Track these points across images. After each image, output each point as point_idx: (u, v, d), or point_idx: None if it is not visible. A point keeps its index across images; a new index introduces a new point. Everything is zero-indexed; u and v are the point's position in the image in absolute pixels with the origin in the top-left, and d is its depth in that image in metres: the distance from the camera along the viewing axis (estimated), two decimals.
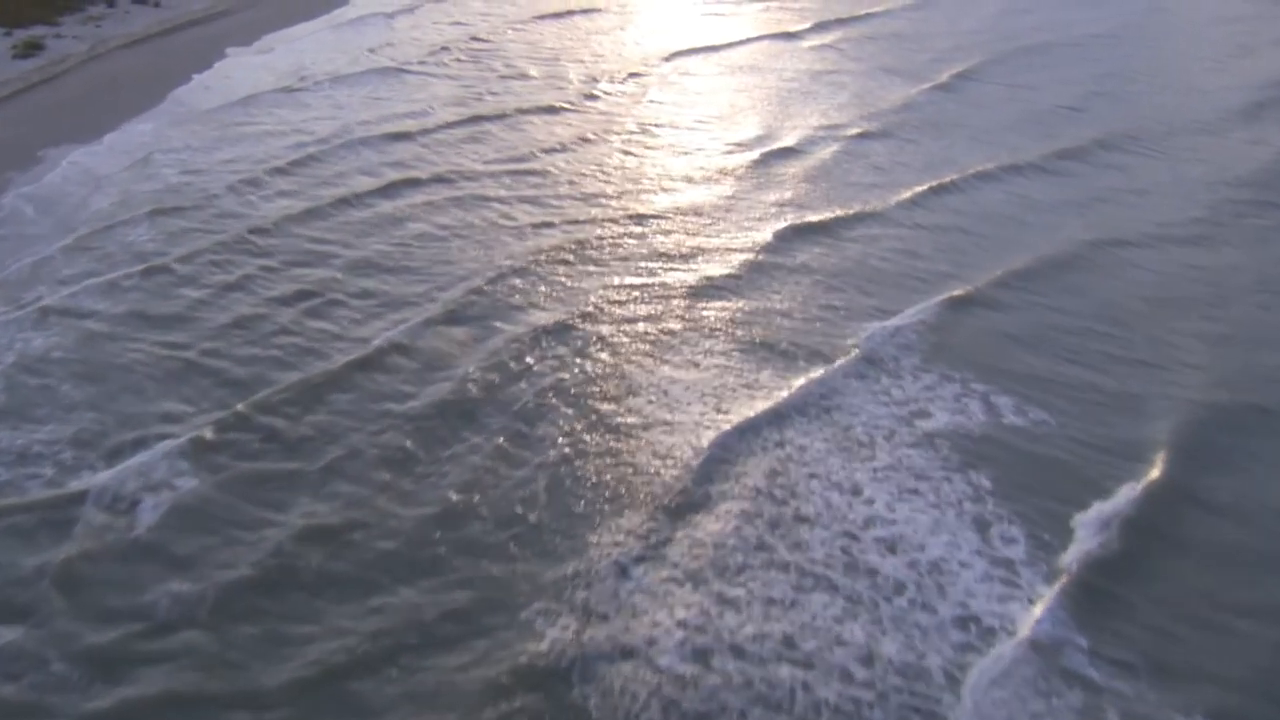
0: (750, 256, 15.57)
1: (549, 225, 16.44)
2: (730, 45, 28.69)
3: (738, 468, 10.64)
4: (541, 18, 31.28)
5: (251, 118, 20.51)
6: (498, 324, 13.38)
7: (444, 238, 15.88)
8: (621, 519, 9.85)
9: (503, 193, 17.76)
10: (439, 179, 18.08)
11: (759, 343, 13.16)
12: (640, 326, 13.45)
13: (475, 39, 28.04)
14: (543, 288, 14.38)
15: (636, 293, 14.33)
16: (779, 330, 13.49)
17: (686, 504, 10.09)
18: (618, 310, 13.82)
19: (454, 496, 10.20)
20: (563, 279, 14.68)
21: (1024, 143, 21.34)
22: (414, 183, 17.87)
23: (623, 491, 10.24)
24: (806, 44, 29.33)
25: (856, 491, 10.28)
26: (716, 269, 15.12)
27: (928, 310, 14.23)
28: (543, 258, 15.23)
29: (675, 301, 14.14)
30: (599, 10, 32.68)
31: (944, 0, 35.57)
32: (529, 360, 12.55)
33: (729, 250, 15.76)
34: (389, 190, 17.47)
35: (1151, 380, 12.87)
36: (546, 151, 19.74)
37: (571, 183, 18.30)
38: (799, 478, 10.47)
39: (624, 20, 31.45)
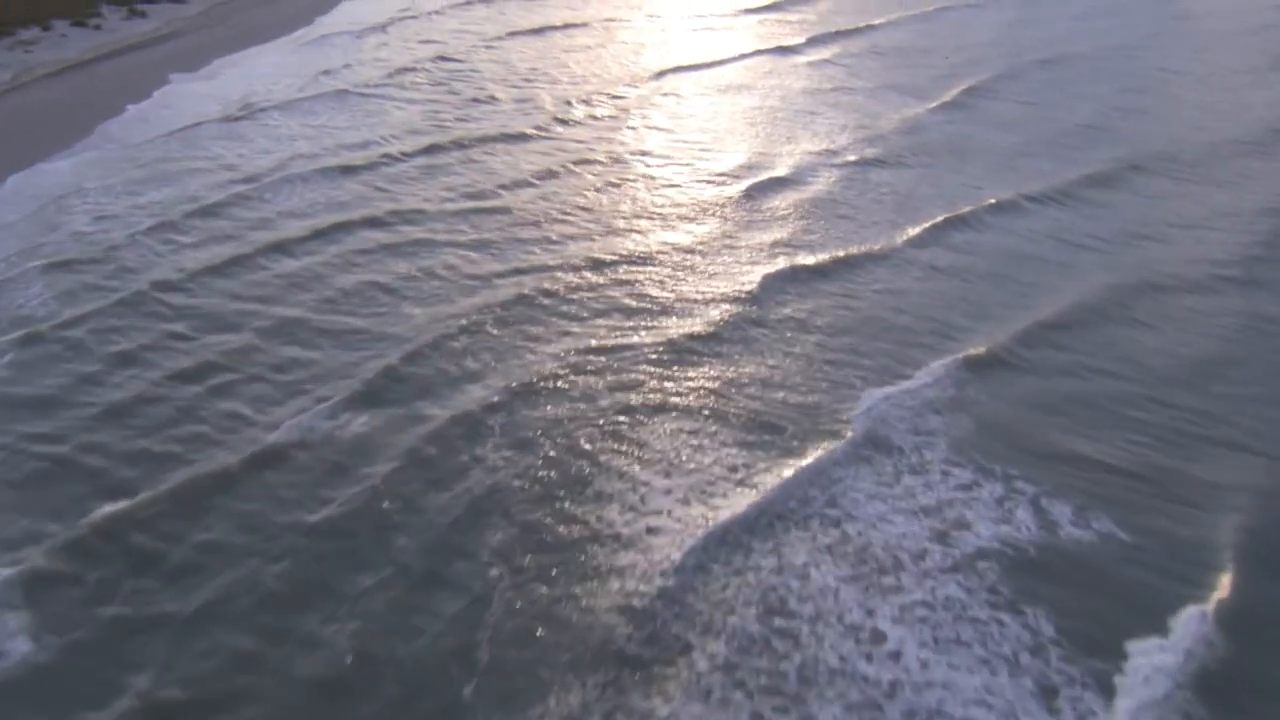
0: (736, 309, 13.57)
1: (506, 275, 14.45)
2: (720, 62, 26.80)
3: (722, 605, 8.57)
4: (519, 34, 29.46)
5: (183, 152, 18.59)
6: (435, 403, 11.36)
7: (384, 292, 13.89)
8: (572, 691, 7.77)
9: (457, 236, 15.79)
10: (385, 221, 16.12)
11: (749, 422, 11.12)
12: (603, 403, 11.43)
13: (444, 59, 26.18)
14: (491, 355, 12.37)
15: (602, 359, 12.32)
16: (772, 405, 11.45)
17: (656, 659, 8.03)
18: (578, 383, 11.80)
19: (366, 651, 8.17)
20: (516, 342, 12.68)
21: (1046, 168, 19.36)
22: (356, 225, 15.90)
23: (577, 646, 8.17)
24: (804, 59, 27.44)
25: (878, 639, 8.18)
26: (697, 325, 13.11)
27: (947, 375, 12.19)
28: (495, 316, 13.24)
29: (647, 369, 12.13)
30: (582, 26, 30.86)
31: (949, 12, 33.75)
32: (468, 454, 10.52)
33: (711, 302, 13.76)
34: (327, 235, 15.51)
35: (1218, 462, 10.82)
36: (509, 186, 17.79)
37: (536, 223, 16.33)
38: (801, 619, 8.39)
39: (608, 36, 29.61)
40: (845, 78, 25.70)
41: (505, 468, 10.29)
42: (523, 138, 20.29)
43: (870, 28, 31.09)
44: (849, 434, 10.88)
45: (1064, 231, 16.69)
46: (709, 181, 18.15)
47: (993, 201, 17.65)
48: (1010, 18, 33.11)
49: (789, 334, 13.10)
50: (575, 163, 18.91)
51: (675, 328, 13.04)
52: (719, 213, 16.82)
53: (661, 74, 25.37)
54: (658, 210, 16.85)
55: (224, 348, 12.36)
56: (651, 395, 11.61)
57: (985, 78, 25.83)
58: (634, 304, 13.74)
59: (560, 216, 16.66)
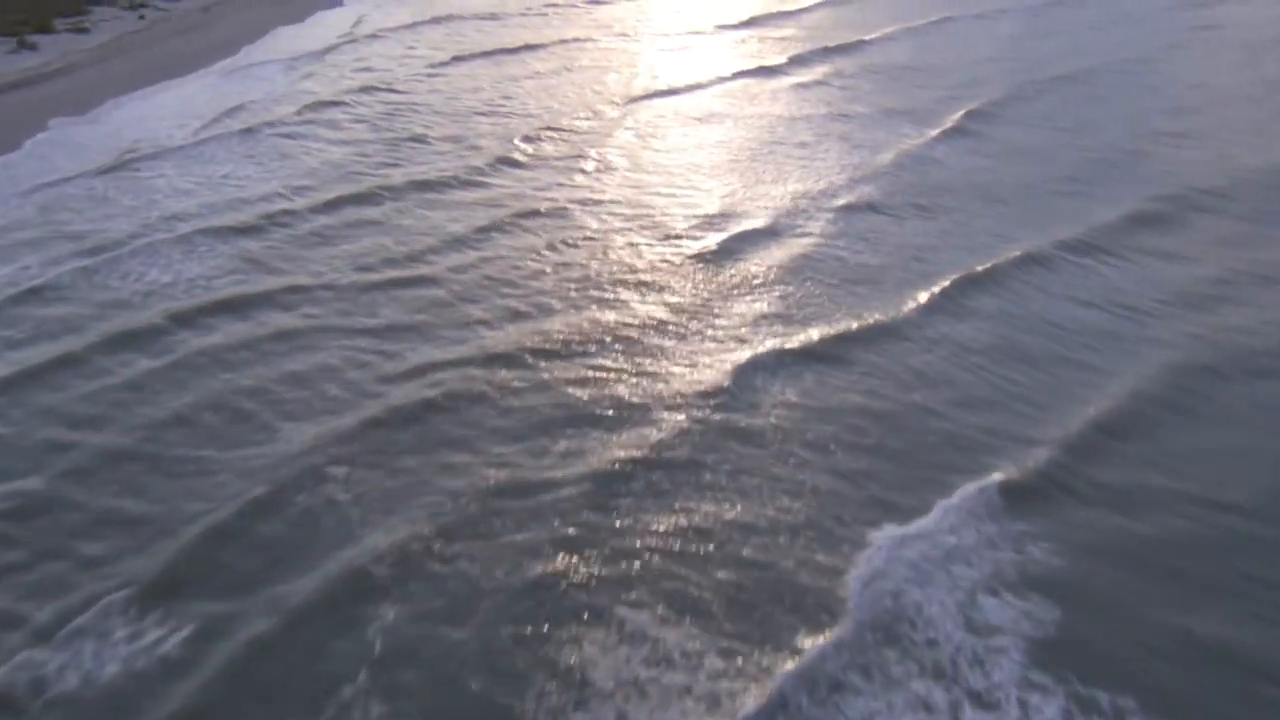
0: (703, 417, 10.56)
1: (418, 373, 11.41)
2: (695, 87, 23.95)
3: None
4: (468, 59, 26.59)
5: (36, 218, 15.55)
6: (274, 591, 8.29)
7: (256, 403, 10.83)
8: None
9: (364, 319, 12.76)
10: (273, 300, 13.10)
11: (725, 602, 8.11)
12: (520, 583, 8.39)
13: (378, 89, 23.28)
14: (374, 501, 9.32)
15: (526, 504, 9.28)
16: (752, 575, 8.42)
17: None
18: (486, 551, 8.76)
19: None
20: (414, 479, 9.63)
21: (1079, 208, 16.46)
22: (234, 308, 12.87)
23: None
24: (790, 81, 24.61)
25: None
26: (652, 445, 10.09)
27: (980, 510, 9.22)
28: (392, 436, 10.20)
29: (580, 517, 9.09)
30: (541, 48, 28.01)
31: (948, 24, 31.03)
32: (314, 685, 7.48)
33: (674, 407, 10.75)
34: (193, 322, 12.47)
35: None
36: (436, 250, 14.79)
37: (464, 299, 13.33)
38: None
39: (569, 60, 26.75)
40: (836, 102, 22.86)
41: (376, 702, 7.23)
42: (458, 185, 17.32)
43: (862, 44, 28.32)
44: (845, 622, 7.85)
45: (1111, 291, 13.74)
46: (678, 237, 15.18)
47: (1018, 254, 14.71)
48: (1015, 30, 30.41)
49: (769, 451, 10.08)
50: (518, 217, 15.93)
51: (625, 449, 10.02)
52: (689, 278, 13.83)
53: (627, 103, 22.49)
54: (614, 277, 13.86)
55: (14, 496, 9.30)
56: (593, 559, 8.57)
57: (994, 98, 23.02)
58: (576, 412, 10.71)
59: (495, 288, 13.66)
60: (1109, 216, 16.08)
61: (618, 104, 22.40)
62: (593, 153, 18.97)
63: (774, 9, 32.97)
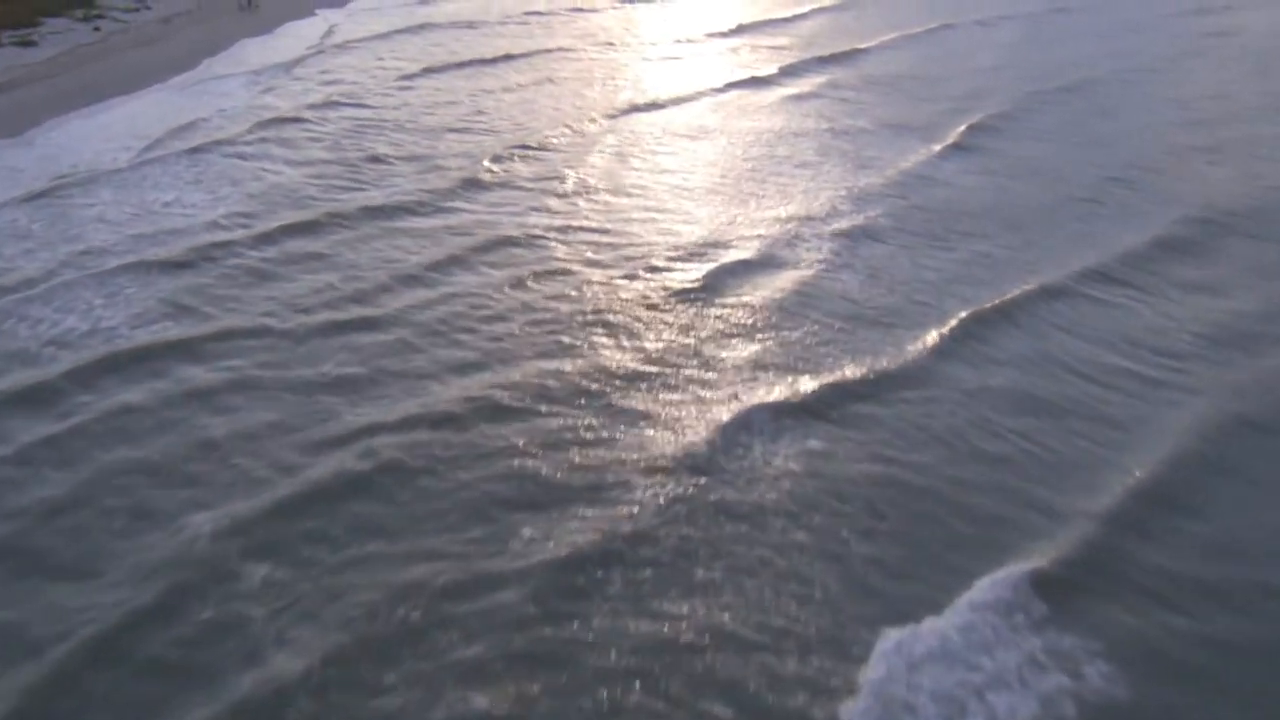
0: (683, 490, 9.09)
1: (349, 438, 9.88)
2: (683, 100, 22.53)
3: None
4: (442, 70, 25.15)
5: None
6: None
7: (157, 478, 9.32)
8: None
9: (297, 370, 11.24)
10: (192, 350, 11.56)
11: None
12: (460, 713, 6.90)
13: (346, 102, 21.82)
14: (292, 603, 7.82)
15: (469, 605, 7.79)
16: (742, 706, 6.97)
17: None
18: (417, 664, 7.25)
19: None
20: (335, 573, 8.13)
21: (1101, 232, 15.06)
22: (153, 359, 11.37)
23: None
24: (783, 93, 23.21)
25: None
26: (624, 524, 8.62)
27: (1011, 608, 7.78)
28: (311, 520, 8.70)
29: (540, 629, 7.61)
30: (521, 59, 26.57)
31: (947, 31, 29.70)
32: None
33: (648, 479, 9.27)
34: (97, 381, 10.93)
35: None
36: (390, 287, 13.29)
37: (412, 345, 11.83)
38: None
39: (549, 72, 25.30)
40: (833, 116, 21.45)
41: None
42: (418, 212, 15.84)
43: (858, 53, 26.95)
44: None
45: (1142, 330, 12.30)
46: (659, 270, 13.71)
47: (1037, 287, 13.28)
48: (1018, 37, 29.09)
49: (762, 535, 8.61)
50: (481, 249, 14.45)
51: (594, 534, 8.54)
52: (671, 320, 12.36)
53: (608, 118, 21.05)
54: (586, 319, 12.38)
55: None
56: (548, 699, 7.08)
57: (1000, 111, 21.64)
58: (537, 488, 9.23)
59: (451, 334, 12.17)
60: (1134, 243, 14.67)
61: (598, 119, 20.96)
62: (569, 174, 17.50)
63: (766, 16, 31.63)
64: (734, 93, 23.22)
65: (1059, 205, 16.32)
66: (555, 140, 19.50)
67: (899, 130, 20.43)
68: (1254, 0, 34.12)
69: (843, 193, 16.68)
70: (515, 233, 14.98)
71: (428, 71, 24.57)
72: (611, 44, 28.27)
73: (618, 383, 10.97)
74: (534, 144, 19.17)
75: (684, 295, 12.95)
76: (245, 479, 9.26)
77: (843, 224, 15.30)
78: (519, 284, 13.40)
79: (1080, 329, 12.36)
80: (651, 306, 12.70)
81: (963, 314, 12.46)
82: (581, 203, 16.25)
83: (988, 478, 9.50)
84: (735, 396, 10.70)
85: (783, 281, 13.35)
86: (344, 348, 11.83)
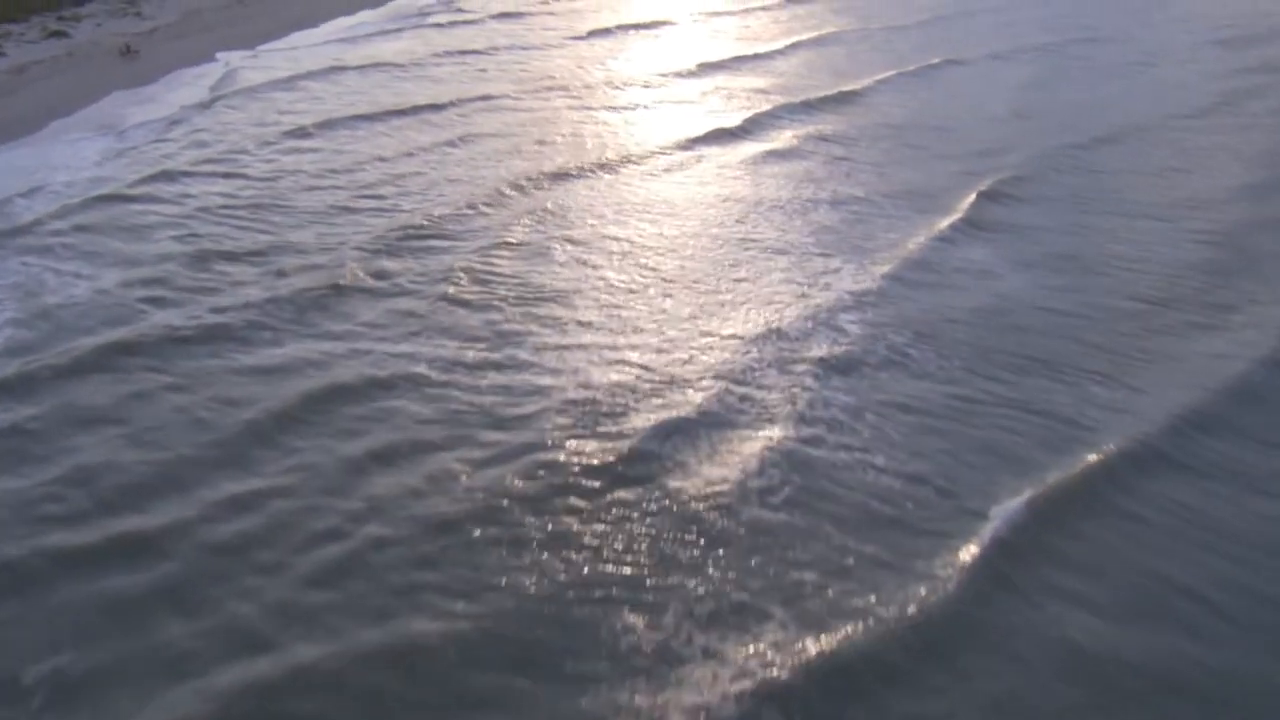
0: None
1: None
2: (632, 162, 18.46)
3: None
4: (356, 121, 21.00)
5: None
6: None
7: None
8: None
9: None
10: None
11: None
12: None
13: (212, 172, 17.62)
14: None
15: None
16: None
17: None
18: None
19: None
20: None
21: (1218, 363, 10.97)
22: None
23: None
24: (756, 149, 19.18)
25: None
26: None
27: None
28: None
29: None
30: (447, 107, 22.46)
31: (953, 70, 25.75)
32: None
33: None
34: None
35: None
36: (157, 490, 9.07)
37: (198, 581, 7.62)
38: None
39: (479, 123, 21.17)
40: (817, 179, 17.41)
41: None
42: (249, 341, 11.56)
43: (848, 97, 22.97)
44: None
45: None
46: (556, 448, 9.51)
47: (1107, 456, 9.21)
48: (1037, 74, 25.16)
49: None
50: (314, 404, 10.23)
51: None
52: (560, 554, 8.16)
53: (535, 189, 16.93)
54: (435, 562, 8.18)
55: None
56: None
57: (1025, 172, 17.71)
58: None
59: (234, 578, 7.95)
60: (1261, 348, 10.62)
61: (522, 191, 16.84)
62: (463, 275, 13.28)
63: (737, 52, 27.67)
64: (696, 151, 19.16)
65: (1135, 315, 12.23)
66: (461, 222, 15.35)
67: (902, 200, 16.39)
68: None
69: (831, 299, 12.57)
70: (366, 376, 10.77)
71: (325, 128, 20.44)
72: (555, 89, 24.21)
73: (476, 690, 6.75)
74: (432, 228, 15.01)
75: (595, 511, 8.72)
76: None
77: (834, 351, 11.16)
78: (355, 472, 9.20)
79: (1182, 521, 8.24)
80: (536, 520, 8.49)
81: (1009, 517, 8.37)
82: (470, 320, 12.04)
83: None
84: (670, 679, 6.48)
85: (742, 473, 9.11)
86: (108, 580, 7.62)
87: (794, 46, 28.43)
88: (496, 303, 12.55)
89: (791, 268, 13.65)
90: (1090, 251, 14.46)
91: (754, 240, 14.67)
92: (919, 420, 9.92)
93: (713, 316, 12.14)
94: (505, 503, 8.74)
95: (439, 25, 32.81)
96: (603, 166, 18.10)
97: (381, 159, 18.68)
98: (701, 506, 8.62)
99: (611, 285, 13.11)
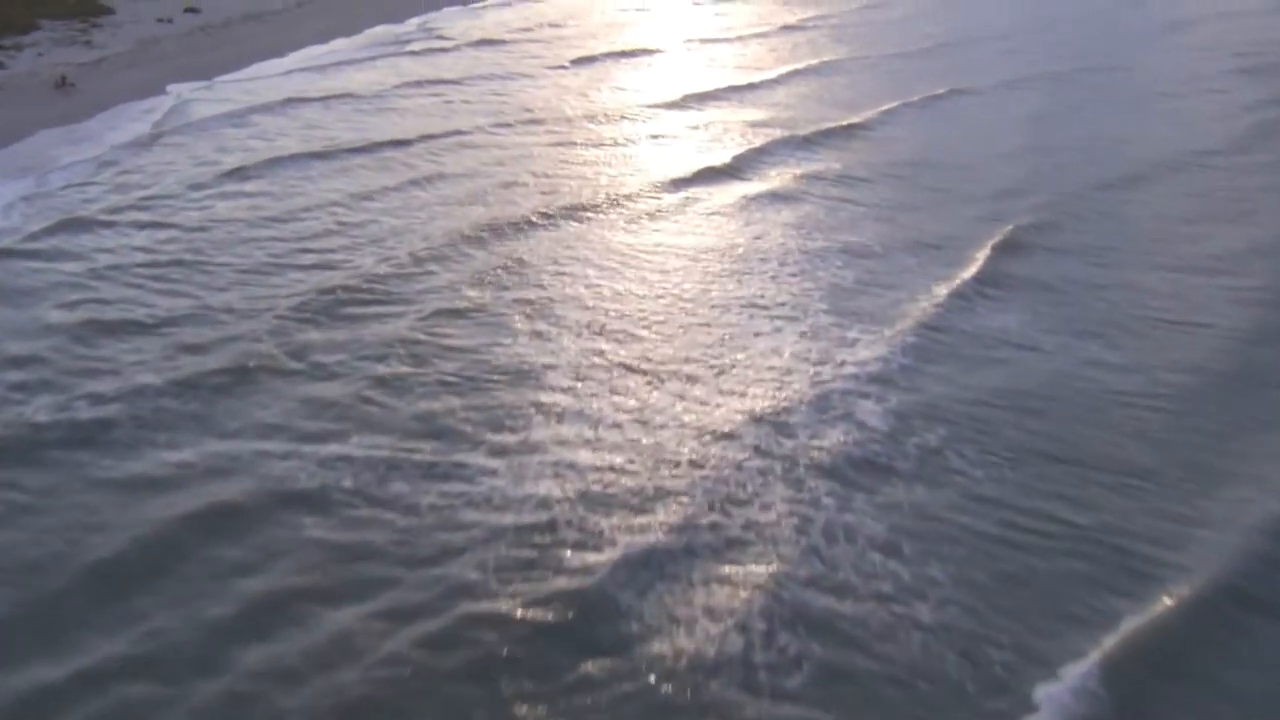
0: None
1: None
2: (607, 207, 16.43)
3: None
4: (301, 162, 18.89)
5: None
6: None
7: None
8: None
9: None
10: None
11: None
12: None
13: (131, 221, 15.52)
14: None
15: None
16: None
17: None
18: None
19: None
20: None
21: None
22: None
23: None
24: (748, 191, 17.23)
25: None
26: None
27: None
28: None
29: None
30: (410, 144, 20.39)
31: (962, 100, 23.82)
32: None
33: None
34: None
35: None
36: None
37: None
38: None
39: (440, 164, 19.09)
40: (817, 226, 15.41)
41: None
42: (128, 442, 9.45)
43: (849, 130, 21.01)
44: None
45: None
46: (509, 610, 7.39)
47: (1190, 599, 7.14)
48: (1047, 105, 23.25)
49: None
50: (181, 532, 8.11)
51: None
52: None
53: (494, 240, 14.86)
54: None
55: None
56: None
57: (1041, 215, 15.90)
58: None
59: None
60: None
61: (482, 241, 14.79)
62: (402, 350, 11.18)
63: (733, 81, 25.73)
64: (683, 193, 17.14)
65: (1201, 395, 10.17)
66: (408, 281, 13.26)
67: (915, 251, 14.39)
68: None
69: (845, 381, 10.49)
70: (266, 493, 8.62)
71: (271, 168, 18.37)
72: (531, 123, 22.21)
73: None
74: (372, 290, 12.92)
75: (539, 700, 6.58)
76: None
77: (850, 457, 9.06)
78: (228, 639, 7.03)
79: None
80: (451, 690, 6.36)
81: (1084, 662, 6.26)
82: (404, 414, 9.91)
83: None
84: None
85: (731, 646, 7.00)
86: None
87: (791, 75, 26.50)
88: (438, 389, 10.44)
89: (795, 339, 11.58)
90: (1132, 313, 12.45)
91: (750, 304, 12.61)
92: (968, 554, 7.82)
93: (702, 407, 10.05)
94: (420, 687, 6.61)
95: (414, 53, 30.79)
96: (576, 213, 16.05)
97: (329, 204, 16.60)
98: (681, 696, 6.49)
99: (579, 365, 11.01)
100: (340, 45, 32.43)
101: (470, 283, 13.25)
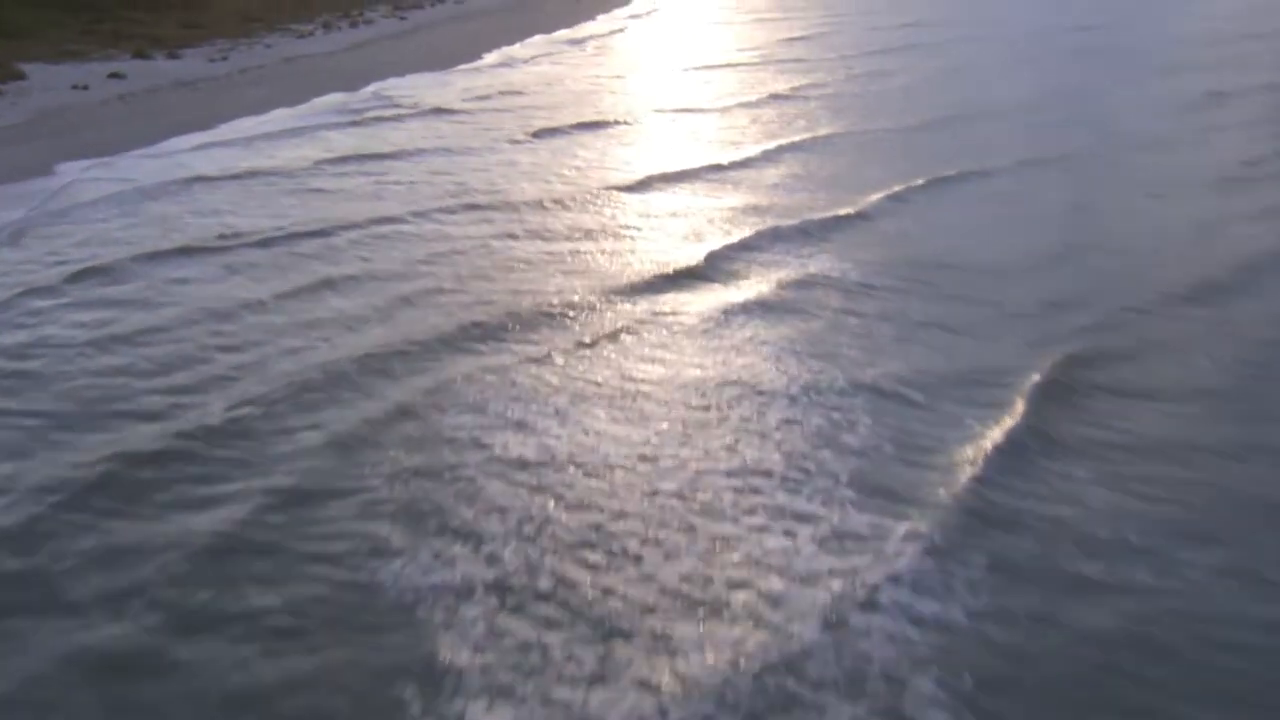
0: None
1: None
2: (553, 323, 13.13)
3: None
4: (182, 259, 15.66)
5: None
6: None
7: None
8: None
9: None
10: None
11: None
12: None
13: None
14: None
15: None
16: None
17: None
18: None
19: None
20: None
21: None
22: None
23: None
24: (723, 302, 14.09)
25: None
26: None
27: None
28: None
29: None
30: (322, 236, 17.21)
31: (981, 184, 20.81)
32: None
33: None
34: None
35: None
36: None
37: None
38: None
39: (349, 265, 15.82)
40: (814, 353, 12.15)
41: None
42: None
43: (846, 222, 17.89)
44: None
45: None
46: None
47: None
48: (1073, 192, 20.18)
49: None
50: None
51: None
52: None
53: (402, 368, 11.57)
54: None
55: None
56: None
57: (1098, 340, 12.77)
58: None
59: None
60: None
61: (385, 373, 11.45)
62: (207, 560, 7.79)
63: (714, 159, 22.73)
64: (645, 304, 13.91)
65: None
66: (259, 443, 9.86)
67: (940, 392, 11.12)
68: None
69: (866, 618, 7.11)
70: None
71: (141, 265, 15.13)
72: (475, 209, 19.04)
73: None
74: (191, 454, 9.53)
75: None
76: None
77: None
78: None
79: None
80: None
81: None
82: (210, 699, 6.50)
83: None
84: None
85: None
86: None
87: (781, 151, 23.54)
88: (243, 655, 7.00)
89: (789, 541, 8.22)
90: (1249, 492, 9.21)
91: (725, 479, 9.26)
92: None
93: (665, 659, 6.65)
94: None
95: (357, 124, 27.84)
96: (506, 333, 12.76)
97: (198, 319, 13.29)
98: None
99: (490, 589, 7.59)
100: (279, 115, 29.48)
101: (349, 445, 9.88)
